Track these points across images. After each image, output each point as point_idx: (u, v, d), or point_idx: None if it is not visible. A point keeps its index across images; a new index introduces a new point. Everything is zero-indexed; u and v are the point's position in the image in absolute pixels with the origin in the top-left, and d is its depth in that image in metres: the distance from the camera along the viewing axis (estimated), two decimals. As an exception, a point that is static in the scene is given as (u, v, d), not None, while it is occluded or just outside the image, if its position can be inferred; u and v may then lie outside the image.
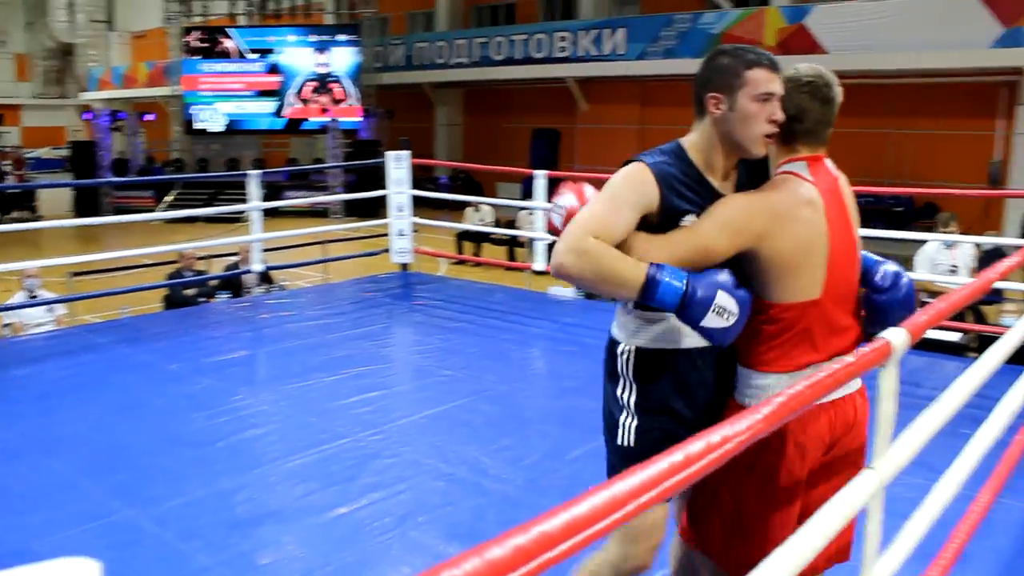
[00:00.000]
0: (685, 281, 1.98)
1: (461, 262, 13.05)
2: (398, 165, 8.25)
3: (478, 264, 13.15)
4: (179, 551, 3.25)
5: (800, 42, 16.12)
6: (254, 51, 23.57)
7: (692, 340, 2.14)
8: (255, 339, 6.34)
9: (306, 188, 21.91)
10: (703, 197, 2.10)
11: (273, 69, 23.45)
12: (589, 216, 2.06)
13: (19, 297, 7.84)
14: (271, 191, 18.48)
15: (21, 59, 35.32)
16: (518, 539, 0.85)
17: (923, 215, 16.36)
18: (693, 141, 2.15)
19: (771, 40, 16.52)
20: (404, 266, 8.55)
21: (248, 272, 8.29)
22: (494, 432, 4.47)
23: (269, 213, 8.15)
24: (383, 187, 8.46)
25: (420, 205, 8.54)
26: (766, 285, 2.09)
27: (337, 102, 23.15)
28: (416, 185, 8.43)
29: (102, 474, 3.95)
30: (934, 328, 6.69)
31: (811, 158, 2.16)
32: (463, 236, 14.52)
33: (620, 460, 2.24)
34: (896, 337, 1.83)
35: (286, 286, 9.15)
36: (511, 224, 14.21)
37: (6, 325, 7.94)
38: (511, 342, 6.35)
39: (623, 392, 2.23)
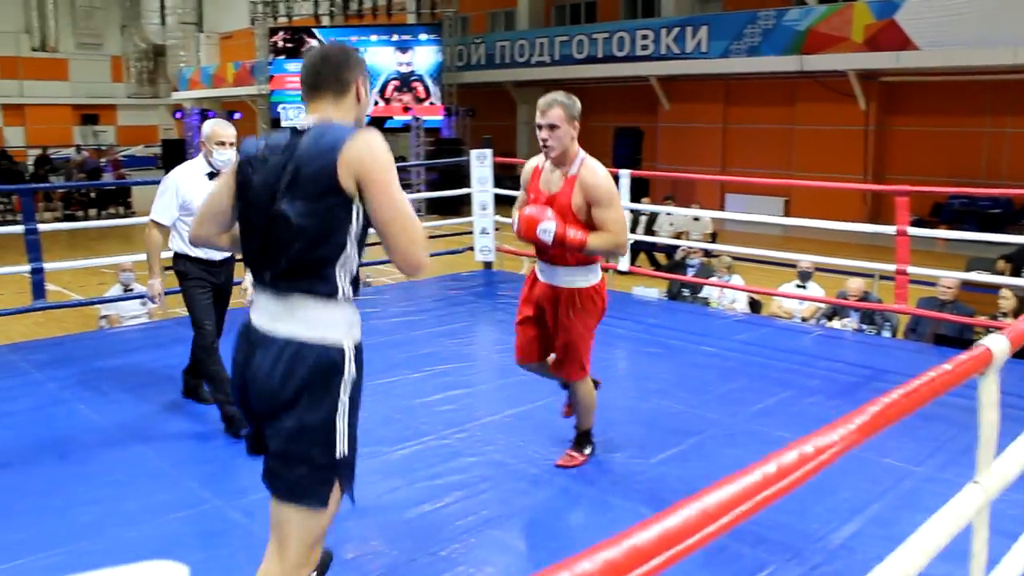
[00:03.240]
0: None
1: (542, 261, 13.00)
2: (481, 163, 8.27)
3: (559, 263, 13.10)
4: (266, 542, 3.30)
5: (890, 38, 15.67)
6: (338, 51, 23.87)
7: None
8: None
9: (389, 186, 22.07)
10: None
11: (356, 68, 23.73)
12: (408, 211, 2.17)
13: (114, 290, 8.09)
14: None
15: (116, 61, 36.45)
16: (609, 552, 0.83)
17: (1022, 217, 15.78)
18: (347, 120, 2.28)
19: (858, 36, 16.10)
20: (487, 264, 8.57)
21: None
22: (576, 433, 4.45)
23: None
24: (466, 185, 8.49)
25: (502, 203, 8.55)
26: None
27: (419, 101, 23.33)
28: (498, 184, 8.45)
29: (191, 465, 4.04)
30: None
31: None
32: (544, 235, 14.45)
33: (336, 469, 2.27)
34: (996, 344, 1.75)
35: (370, 283, 9.25)
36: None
37: (103, 317, 8.18)
38: (594, 342, 6.30)
39: (341, 392, 2.23)
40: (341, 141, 2.11)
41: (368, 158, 2.11)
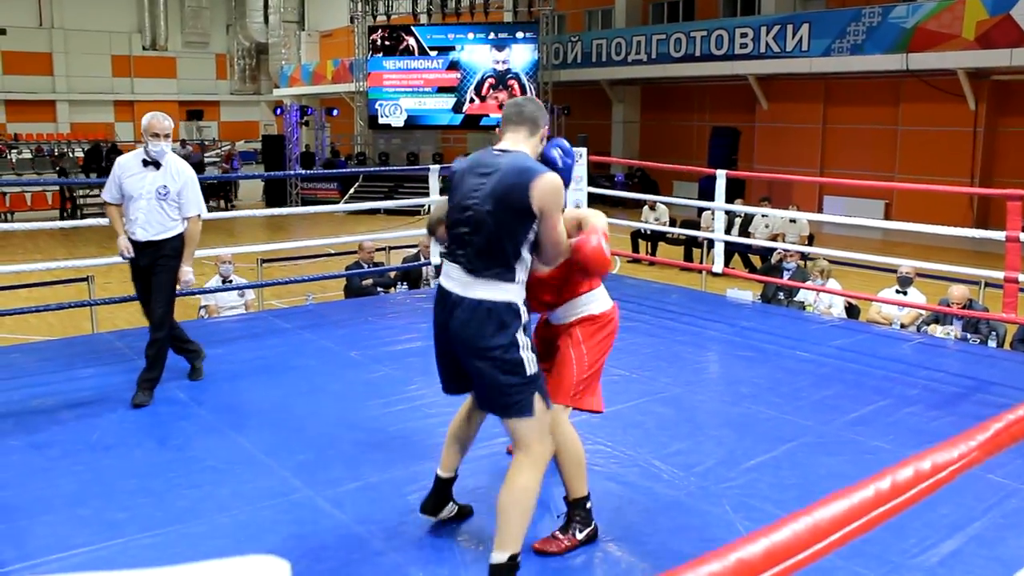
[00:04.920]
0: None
1: (636, 261, 12.92)
2: (576, 161, 8.23)
3: (653, 263, 13.00)
4: (355, 533, 3.34)
5: (1004, 34, 15.06)
6: (435, 49, 24.14)
7: None
8: (432, 330, 6.45)
9: (482, 183, 22.20)
10: None
11: (452, 66, 23.95)
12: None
13: (214, 281, 8.30)
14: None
15: (220, 59, 37.63)
16: (713, 565, 0.80)
17: None
18: (531, 152, 3.02)
19: (970, 33, 15.53)
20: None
21: (427, 264, 8.48)
22: (667, 436, 4.39)
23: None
24: (559, 184, 8.46)
25: (596, 202, 8.51)
26: None
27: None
28: (592, 182, 8.41)
29: (284, 453, 4.11)
30: None
31: None
32: (638, 235, 14.37)
33: (532, 384, 2.88)
34: None
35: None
36: (685, 223, 13.97)
37: (202, 307, 8.41)
38: (686, 344, 6.23)
39: (519, 334, 2.87)
40: (536, 173, 2.83)
41: (550, 195, 2.83)
